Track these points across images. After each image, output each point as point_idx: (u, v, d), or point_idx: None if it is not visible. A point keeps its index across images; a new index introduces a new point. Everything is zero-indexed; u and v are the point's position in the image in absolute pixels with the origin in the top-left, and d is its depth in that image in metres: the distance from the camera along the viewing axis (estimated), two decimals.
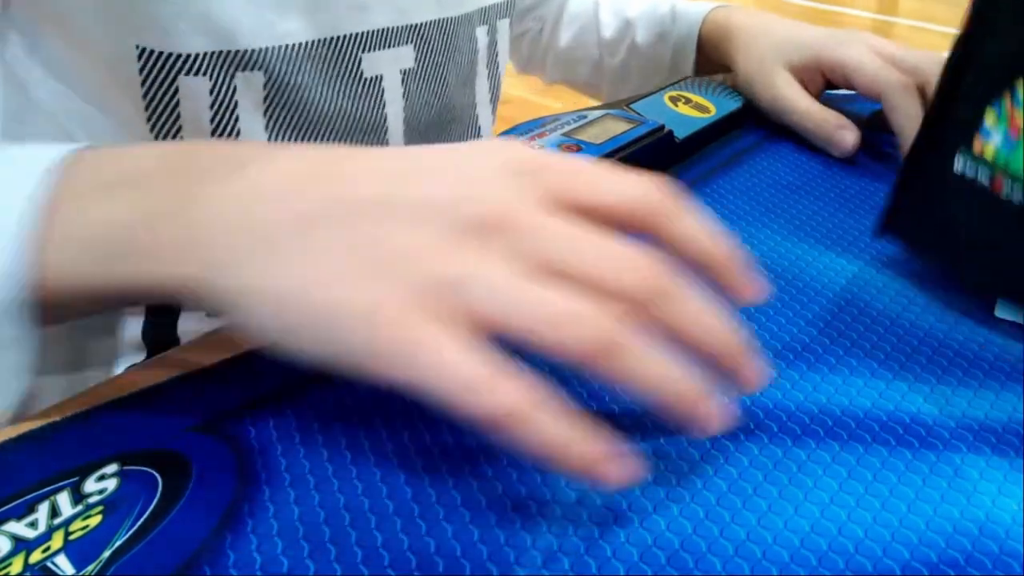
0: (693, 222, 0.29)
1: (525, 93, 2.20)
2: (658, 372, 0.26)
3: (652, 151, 0.50)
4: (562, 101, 1.21)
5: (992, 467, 0.31)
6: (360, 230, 0.27)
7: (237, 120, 0.44)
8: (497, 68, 0.61)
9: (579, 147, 0.48)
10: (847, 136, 0.53)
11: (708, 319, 0.28)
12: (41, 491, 0.28)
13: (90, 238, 0.29)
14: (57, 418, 0.31)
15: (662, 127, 0.51)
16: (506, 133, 0.50)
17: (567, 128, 0.50)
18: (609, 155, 0.47)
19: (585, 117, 0.52)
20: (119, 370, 0.49)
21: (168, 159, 0.31)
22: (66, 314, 0.32)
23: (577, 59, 0.76)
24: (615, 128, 0.50)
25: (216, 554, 0.27)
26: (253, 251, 0.27)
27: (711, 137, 0.55)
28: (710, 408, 0.27)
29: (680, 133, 0.52)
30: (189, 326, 0.49)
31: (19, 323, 0.29)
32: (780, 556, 0.27)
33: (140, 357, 0.49)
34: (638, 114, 0.53)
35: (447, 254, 0.27)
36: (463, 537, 0.27)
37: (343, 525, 0.28)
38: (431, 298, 0.26)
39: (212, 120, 0.44)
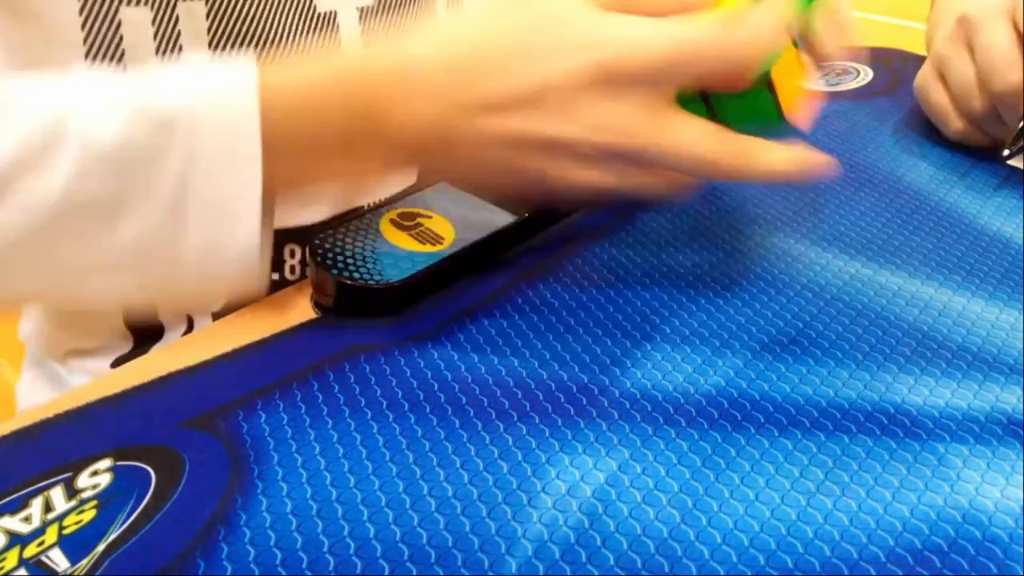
0: None
1: None
2: (774, 156, 0.35)
3: None
4: None
5: (975, 456, 0.31)
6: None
7: (181, 51, 0.43)
8: None
9: None
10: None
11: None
12: (35, 487, 0.29)
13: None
14: (50, 415, 0.32)
15: None
16: None
17: None
18: None
19: None
20: (106, 359, 0.50)
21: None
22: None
23: None
24: None
25: (210, 547, 0.27)
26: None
27: None
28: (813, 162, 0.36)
29: None
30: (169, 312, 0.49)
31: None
32: (767, 544, 0.27)
33: (127, 345, 0.49)
34: None
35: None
36: (455, 528, 0.28)
37: (336, 517, 0.28)
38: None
39: (157, 51, 0.42)
